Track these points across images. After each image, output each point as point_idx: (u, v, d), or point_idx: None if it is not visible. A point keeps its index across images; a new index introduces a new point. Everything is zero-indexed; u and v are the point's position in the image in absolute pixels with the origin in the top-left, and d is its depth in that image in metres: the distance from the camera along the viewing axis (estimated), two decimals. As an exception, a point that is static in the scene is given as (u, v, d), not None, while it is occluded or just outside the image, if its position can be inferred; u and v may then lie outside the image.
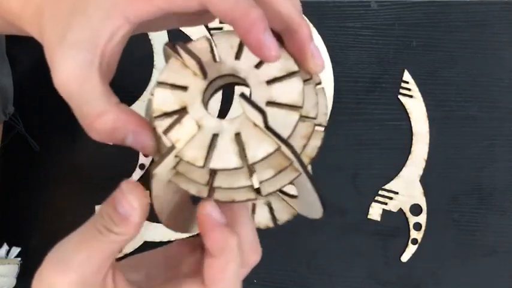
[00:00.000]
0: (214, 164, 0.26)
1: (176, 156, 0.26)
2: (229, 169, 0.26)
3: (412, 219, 0.55)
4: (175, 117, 0.26)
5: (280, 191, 0.35)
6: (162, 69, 0.28)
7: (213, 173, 0.26)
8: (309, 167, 0.28)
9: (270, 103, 0.27)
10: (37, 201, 0.57)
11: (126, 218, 0.26)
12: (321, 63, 0.28)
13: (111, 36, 0.27)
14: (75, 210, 0.56)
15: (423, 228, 0.55)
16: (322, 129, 0.28)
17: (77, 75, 0.27)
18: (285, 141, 0.25)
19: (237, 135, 0.26)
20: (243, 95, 0.25)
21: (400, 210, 0.55)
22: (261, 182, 0.26)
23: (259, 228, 0.36)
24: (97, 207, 0.56)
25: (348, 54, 0.58)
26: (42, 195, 0.57)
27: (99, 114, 0.27)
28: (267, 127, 0.25)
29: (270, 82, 0.27)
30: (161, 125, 0.26)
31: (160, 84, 0.28)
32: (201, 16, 0.29)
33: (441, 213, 0.55)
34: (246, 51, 0.28)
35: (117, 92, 0.28)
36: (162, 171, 0.27)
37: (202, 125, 0.26)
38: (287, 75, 0.27)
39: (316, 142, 0.28)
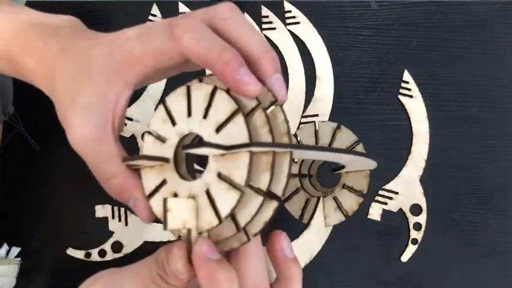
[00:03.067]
0: (223, 212, 0.27)
1: (200, 233, 0.28)
2: (236, 203, 0.26)
3: (412, 219, 0.55)
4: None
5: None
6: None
7: (233, 216, 0.27)
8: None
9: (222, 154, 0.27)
10: (37, 201, 0.57)
11: (176, 275, 0.28)
12: (280, 93, 0.29)
13: (117, 100, 0.31)
14: (75, 210, 0.56)
15: (423, 228, 0.55)
16: (288, 151, 0.27)
17: (94, 137, 0.30)
18: (254, 144, 0.26)
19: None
20: (184, 148, 0.27)
21: (400, 210, 0.55)
22: (269, 186, 0.27)
23: (332, 225, 0.38)
24: (97, 207, 0.56)
25: (348, 54, 0.58)
26: (42, 195, 0.57)
27: (112, 175, 0.30)
28: (226, 148, 0.26)
29: (218, 130, 0.28)
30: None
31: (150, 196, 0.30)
32: (186, 65, 0.32)
33: (441, 213, 0.55)
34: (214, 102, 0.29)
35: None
36: None
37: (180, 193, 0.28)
38: (230, 116, 0.27)
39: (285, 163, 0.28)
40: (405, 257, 0.54)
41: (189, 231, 0.27)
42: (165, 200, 0.26)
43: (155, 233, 0.55)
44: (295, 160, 0.46)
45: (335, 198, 0.44)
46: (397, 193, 0.55)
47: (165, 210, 0.26)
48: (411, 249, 0.54)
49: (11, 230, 0.56)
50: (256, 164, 0.26)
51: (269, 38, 0.58)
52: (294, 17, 0.58)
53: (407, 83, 0.57)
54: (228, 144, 0.26)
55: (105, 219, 0.56)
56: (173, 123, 0.29)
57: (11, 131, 0.56)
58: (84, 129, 0.30)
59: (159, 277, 0.28)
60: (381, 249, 0.55)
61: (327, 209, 0.44)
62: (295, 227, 0.50)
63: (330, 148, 0.30)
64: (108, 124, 0.31)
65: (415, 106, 0.57)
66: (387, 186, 0.55)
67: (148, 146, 0.30)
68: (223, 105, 0.28)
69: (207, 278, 0.27)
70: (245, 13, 0.59)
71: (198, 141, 0.29)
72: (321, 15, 0.58)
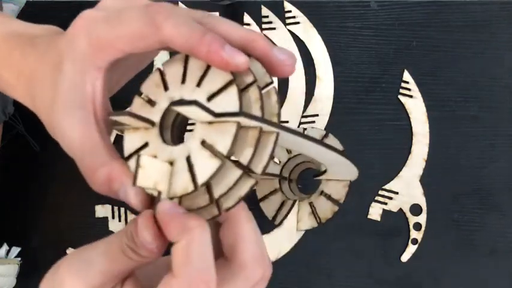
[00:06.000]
0: (201, 178, 0.26)
1: (171, 198, 0.27)
2: (215, 171, 0.26)
3: (412, 219, 0.55)
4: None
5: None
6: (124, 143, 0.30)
7: (208, 187, 0.27)
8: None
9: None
10: (37, 201, 0.57)
11: (144, 245, 0.27)
12: (287, 60, 0.29)
13: (93, 89, 0.29)
14: (75, 210, 0.56)
15: (423, 228, 0.55)
16: (275, 131, 0.27)
17: (81, 134, 0.29)
18: (244, 114, 0.26)
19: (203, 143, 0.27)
20: (173, 104, 0.27)
21: (400, 210, 0.55)
22: (250, 162, 0.26)
23: (304, 229, 0.37)
24: (97, 207, 0.56)
25: (348, 54, 0.58)
26: (42, 195, 0.57)
27: (99, 165, 0.29)
28: (215, 114, 0.26)
29: (209, 98, 0.28)
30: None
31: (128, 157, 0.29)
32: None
33: (441, 213, 0.55)
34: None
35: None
36: None
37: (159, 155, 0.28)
38: (224, 86, 0.27)
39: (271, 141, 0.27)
40: (405, 257, 0.54)
41: (159, 193, 0.27)
42: (138, 156, 0.26)
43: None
44: (277, 161, 0.45)
45: (311, 204, 0.43)
46: (397, 193, 0.55)
47: (137, 166, 0.26)
48: (411, 249, 0.54)
49: (11, 230, 0.56)
50: (242, 138, 0.26)
51: (269, 38, 0.58)
52: (294, 17, 0.58)
53: (407, 83, 0.57)
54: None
55: (105, 219, 0.56)
56: (166, 88, 0.29)
57: (11, 131, 0.56)
58: (70, 128, 0.29)
59: (129, 249, 0.27)
60: (381, 249, 0.55)
61: (301, 213, 0.44)
62: (269, 224, 0.49)
63: (317, 140, 0.29)
64: (90, 117, 0.29)
65: (415, 106, 0.57)
66: (387, 186, 0.55)
67: (136, 108, 0.30)
68: (218, 75, 0.28)
69: (176, 228, 0.26)
70: (245, 13, 0.59)
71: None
72: (321, 15, 0.58)
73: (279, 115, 0.28)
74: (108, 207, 0.56)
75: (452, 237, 0.55)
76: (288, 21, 0.58)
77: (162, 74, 0.29)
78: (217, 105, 0.27)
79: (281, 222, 0.44)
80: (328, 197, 0.41)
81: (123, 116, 0.29)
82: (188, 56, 0.29)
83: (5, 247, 0.52)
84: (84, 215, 0.56)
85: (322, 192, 0.43)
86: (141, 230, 0.27)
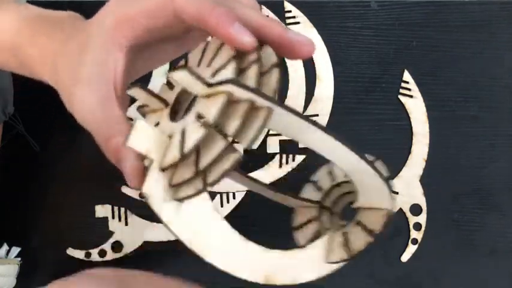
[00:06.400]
0: (187, 147, 0.26)
1: (163, 169, 0.28)
2: (200, 138, 0.26)
3: (412, 219, 0.55)
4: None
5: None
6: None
7: (195, 158, 0.27)
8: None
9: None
10: (37, 201, 0.57)
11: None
12: (305, 40, 0.29)
13: (115, 66, 0.31)
14: (75, 210, 0.56)
15: (423, 228, 0.55)
16: (267, 105, 0.26)
17: (100, 108, 0.31)
18: (232, 81, 0.26)
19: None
20: (174, 69, 0.27)
21: (400, 210, 0.55)
22: (236, 134, 0.26)
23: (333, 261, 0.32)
24: (97, 207, 0.56)
25: (348, 54, 0.58)
26: (42, 195, 0.57)
27: (113, 135, 0.31)
28: (210, 84, 0.26)
29: (213, 75, 0.28)
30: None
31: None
32: (187, 40, 0.34)
33: (441, 213, 0.55)
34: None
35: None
36: (155, 190, 0.28)
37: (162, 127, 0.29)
38: (226, 63, 0.28)
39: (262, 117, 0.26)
40: (405, 257, 0.54)
41: (151, 163, 0.28)
42: (135, 120, 0.27)
43: (155, 233, 0.55)
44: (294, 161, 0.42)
45: (344, 234, 0.35)
46: (397, 193, 0.55)
47: (133, 127, 0.27)
48: (411, 249, 0.54)
49: (11, 230, 0.56)
50: (232, 110, 0.26)
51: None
52: (294, 17, 0.58)
53: (407, 83, 0.57)
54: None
55: (105, 219, 0.56)
56: None
57: (11, 131, 0.56)
58: (91, 102, 0.31)
59: None
60: (381, 249, 0.55)
61: (332, 243, 0.34)
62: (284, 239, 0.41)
63: (320, 126, 0.26)
64: (111, 93, 0.31)
65: (415, 106, 0.57)
66: (387, 186, 0.55)
67: (158, 91, 0.31)
68: (224, 53, 0.28)
69: None
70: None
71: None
72: (321, 15, 0.58)
73: (275, 92, 0.27)
74: (108, 207, 0.56)
75: (452, 237, 0.55)
76: (288, 21, 0.58)
77: (186, 59, 0.31)
78: (215, 80, 0.27)
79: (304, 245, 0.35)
80: (364, 227, 0.34)
81: (135, 88, 0.30)
82: (208, 42, 0.30)
83: (5, 247, 0.52)
84: (84, 215, 0.56)
85: (358, 222, 0.35)
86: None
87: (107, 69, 0.31)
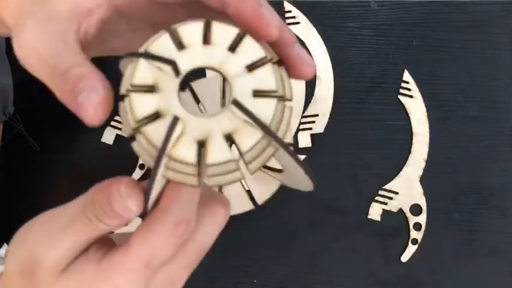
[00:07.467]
0: (209, 160, 0.25)
1: (170, 158, 0.26)
2: (222, 163, 0.25)
3: (412, 219, 0.55)
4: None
5: (264, 166, 0.33)
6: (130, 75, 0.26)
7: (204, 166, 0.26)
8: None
9: (256, 93, 0.27)
10: (37, 201, 0.57)
11: (121, 215, 0.26)
12: (309, 59, 0.29)
13: (90, 10, 0.27)
14: (75, 210, 0.56)
15: (423, 228, 0.54)
16: (291, 104, 0.27)
17: (49, 48, 0.26)
18: (266, 129, 0.26)
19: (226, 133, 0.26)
20: (236, 103, 0.25)
21: (400, 210, 0.55)
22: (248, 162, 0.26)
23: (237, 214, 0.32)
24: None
25: (348, 54, 0.58)
26: (42, 195, 0.57)
27: (71, 66, 0.26)
28: (257, 122, 0.25)
29: (250, 68, 0.27)
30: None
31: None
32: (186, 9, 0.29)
33: (441, 213, 0.55)
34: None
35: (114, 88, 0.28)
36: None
37: (185, 121, 0.25)
38: (258, 62, 0.26)
39: (287, 116, 0.28)
40: (405, 257, 0.54)
41: (136, 129, 0.25)
42: (130, 93, 0.25)
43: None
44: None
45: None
46: (397, 193, 0.55)
47: (129, 101, 0.25)
48: (411, 249, 0.54)
49: (11, 230, 0.56)
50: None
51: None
52: (294, 17, 0.58)
53: (407, 83, 0.57)
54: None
55: (105, 219, 0.56)
56: (180, 48, 0.27)
57: (11, 131, 0.56)
58: (36, 39, 0.26)
59: (96, 219, 0.26)
60: (381, 249, 0.55)
61: None
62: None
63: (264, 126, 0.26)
64: (69, 35, 0.26)
65: (415, 106, 0.57)
66: (387, 186, 0.55)
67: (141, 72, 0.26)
68: (254, 44, 0.27)
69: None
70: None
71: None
72: (321, 15, 0.58)
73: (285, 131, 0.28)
74: (108, 207, 0.56)
75: (452, 237, 0.55)
76: (288, 21, 0.58)
77: (172, 34, 0.26)
78: (258, 80, 0.26)
79: None
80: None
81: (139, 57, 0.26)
82: (209, 22, 0.27)
83: (5, 247, 0.52)
84: (84, 215, 0.56)
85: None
86: (125, 198, 0.25)
87: (76, 9, 0.26)
